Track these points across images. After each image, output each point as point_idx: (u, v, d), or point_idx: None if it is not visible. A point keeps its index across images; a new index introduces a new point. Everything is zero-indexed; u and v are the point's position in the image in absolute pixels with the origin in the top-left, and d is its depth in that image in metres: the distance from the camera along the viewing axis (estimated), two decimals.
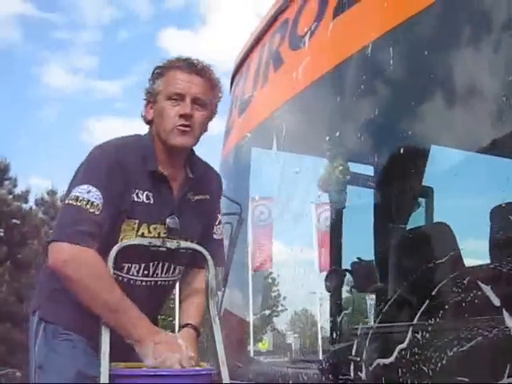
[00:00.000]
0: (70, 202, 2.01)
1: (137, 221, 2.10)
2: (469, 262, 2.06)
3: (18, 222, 22.07)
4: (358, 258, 2.49)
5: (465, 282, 1.77)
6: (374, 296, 3.05)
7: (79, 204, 1.99)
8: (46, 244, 2.04)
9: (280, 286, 3.51)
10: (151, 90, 2.19)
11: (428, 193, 2.86)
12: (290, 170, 2.93)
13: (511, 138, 1.87)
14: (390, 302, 2.05)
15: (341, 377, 2.13)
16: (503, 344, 1.57)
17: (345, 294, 2.71)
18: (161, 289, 2.22)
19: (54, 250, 1.99)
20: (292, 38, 2.83)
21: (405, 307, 2.05)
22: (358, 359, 2.04)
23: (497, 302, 1.62)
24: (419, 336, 1.83)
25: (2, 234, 22.42)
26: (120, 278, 2.09)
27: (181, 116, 2.10)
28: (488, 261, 1.94)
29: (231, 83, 3.72)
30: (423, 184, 2.70)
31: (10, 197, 23.14)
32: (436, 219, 2.85)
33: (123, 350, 1.92)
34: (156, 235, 2.12)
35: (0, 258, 21.04)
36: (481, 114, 2.01)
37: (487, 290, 1.64)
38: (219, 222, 2.37)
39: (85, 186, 2.02)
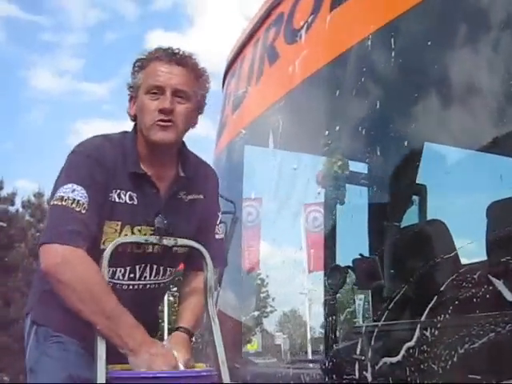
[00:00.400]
0: (56, 202, 1.96)
1: (119, 222, 2.02)
2: (464, 259, 2.06)
3: (5, 224, 21.97)
4: (361, 255, 2.46)
5: (464, 279, 1.76)
6: (362, 296, 3.05)
7: (65, 204, 1.94)
8: (37, 247, 1.98)
9: (269, 287, 3.49)
10: (133, 84, 2.11)
11: (421, 191, 2.84)
12: (284, 168, 2.91)
13: (506, 135, 1.86)
14: (388, 301, 2.03)
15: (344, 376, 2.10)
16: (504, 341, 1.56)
17: (340, 293, 2.69)
18: (151, 292, 2.15)
19: (46, 252, 1.93)
20: (288, 31, 2.79)
21: (402, 305, 2.03)
22: (360, 358, 2.02)
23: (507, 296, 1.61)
24: (420, 334, 1.81)
25: None
26: None
27: (160, 111, 2.00)
28: (484, 258, 1.94)
29: (223, 80, 3.69)
30: (416, 182, 2.69)
31: None
32: (429, 217, 2.84)
33: (118, 353, 1.85)
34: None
35: None
36: (476, 111, 2.00)
37: (499, 284, 1.62)
38: (220, 221, 2.30)
39: (69, 185, 1.96)
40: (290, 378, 2.36)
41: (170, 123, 2.01)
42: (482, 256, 1.97)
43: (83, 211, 1.93)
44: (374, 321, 2.17)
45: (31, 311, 2.22)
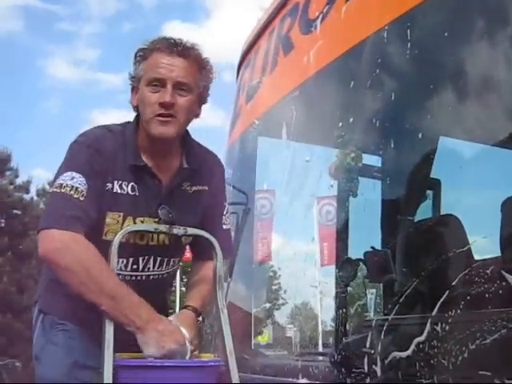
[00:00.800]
0: (55, 189, 1.97)
1: (121, 213, 2.03)
2: (478, 255, 2.03)
3: (19, 212, 22.15)
4: (372, 248, 2.44)
5: (477, 274, 1.74)
6: (374, 290, 3.04)
7: (63, 191, 1.94)
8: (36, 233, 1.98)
9: (281, 279, 3.49)
10: (135, 75, 2.09)
11: (435, 185, 2.82)
12: (297, 160, 2.89)
13: None
14: (400, 295, 2.01)
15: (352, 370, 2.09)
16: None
17: (349, 287, 2.67)
18: (155, 282, 2.15)
19: (44, 238, 1.93)
20: (303, 22, 2.75)
21: (414, 300, 2.01)
22: (369, 352, 2.01)
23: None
24: (431, 329, 1.79)
25: (3, 225, 22.49)
26: None
27: (161, 104, 1.99)
28: (498, 253, 1.92)
29: (238, 71, 3.67)
30: (431, 176, 2.66)
31: (12, 187, 23.23)
32: (443, 212, 2.82)
33: (124, 343, 1.85)
34: None
35: (1, 249, 21.11)
36: (492, 105, 1.97)
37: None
38: (227, 211, 2.28)
39: (68, 173, 1.97)
40: (298, 370, 2.35)
41: (170, 118, 2.00)
42: (495, 252, 1.95)
43: (81, 198, 1.94)
44: (385, 314, 2.15)
45: (39, 299, 2.24)
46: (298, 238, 3.17)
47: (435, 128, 2.25)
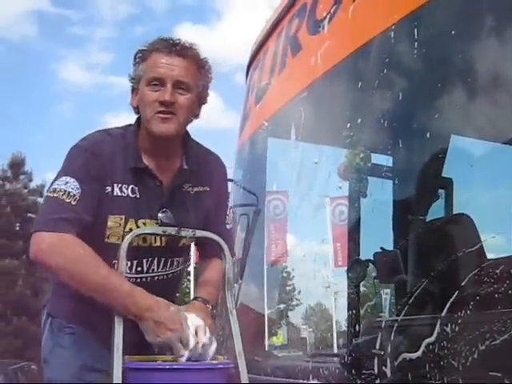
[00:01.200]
0: (49, 194, 2.00)
1: (123, 216, 2.04)
2: (491, 254, 2.01)
3: (34, 215, 22.25)
4: (382, 249, 2.43)
5: (490, 274, 1.72)
6: (388, 290, 3.02)
7: (56, 195, 1.97)
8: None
9: (295, 280, 3.48)
10: (134, 76, 2.11)
11: (447, 184, 2.80)
12: (307, 160, 2.88)
13: None
14: (413, 295, 2.00)
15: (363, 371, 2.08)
16: None
17: (363, 288, 2.66)
18: (162, 283, 2.16)
19: (34, 240, 1.96)
20: (310, 22, 2.74)
21: (427, 300, 1.99)
22: (381, 353, 1.99)
23: None
24: (443, 329, 1.78)
25: (17, 228, 22.63)
26: None
27: (161, 103, 2.01)
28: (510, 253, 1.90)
29: (247, 72, 3.67)
30: (443, 175, 2.64)
31: (26, 191, 23.39)
32: (455, 211, 2.79)
33: (134, 345, 1.86)
34: None
35: (16, 252, 21.25)
36: (503, 103, 1.95)
37: None
38: (229, 211, 2.31)
39: (63, 178, 1.99)
40: (310, 372, 2.34)
41: (170, 115, 2.02)
42: (508, 251, 1.94)
43: (73, 202, 1.96)
44: (396, 315, 2.14)
45: (47, 303, 2.28)
46: (311, 239, 3.16)
47: (446, 126, 2.23)
